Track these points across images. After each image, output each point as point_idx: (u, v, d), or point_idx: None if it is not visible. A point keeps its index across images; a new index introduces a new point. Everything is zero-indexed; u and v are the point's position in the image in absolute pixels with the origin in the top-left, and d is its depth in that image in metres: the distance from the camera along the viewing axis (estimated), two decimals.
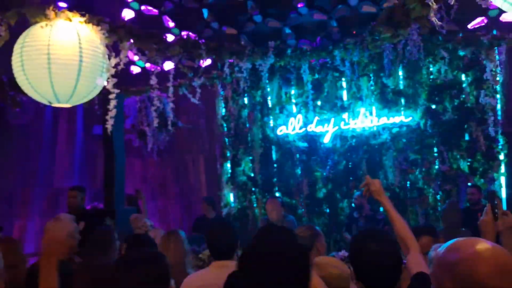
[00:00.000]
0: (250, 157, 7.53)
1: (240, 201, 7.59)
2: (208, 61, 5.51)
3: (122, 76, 3.91)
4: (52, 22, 2.95)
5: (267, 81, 6.95)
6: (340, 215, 6.98)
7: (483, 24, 5.94)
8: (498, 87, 6.19)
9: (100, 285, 2.27)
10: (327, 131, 6.97)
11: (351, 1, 6.43)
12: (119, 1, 6.62)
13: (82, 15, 3.15)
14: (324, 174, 7.07)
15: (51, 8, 2.95)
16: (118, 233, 4.53)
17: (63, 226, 3.11)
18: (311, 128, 7.03)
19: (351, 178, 6.97)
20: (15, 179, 7.33)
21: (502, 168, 6.33)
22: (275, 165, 7.44)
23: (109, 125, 3.46)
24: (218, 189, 7.76)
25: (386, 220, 6.12)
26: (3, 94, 4.94)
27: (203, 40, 4.86)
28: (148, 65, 5.56)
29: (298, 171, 7.25)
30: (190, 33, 6.33)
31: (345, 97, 7.04)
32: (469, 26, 6.13)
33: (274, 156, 7.48)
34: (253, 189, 7.52)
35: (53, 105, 3.12)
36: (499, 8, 2.24)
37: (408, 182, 6.68)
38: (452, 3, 1.89)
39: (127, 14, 6.81)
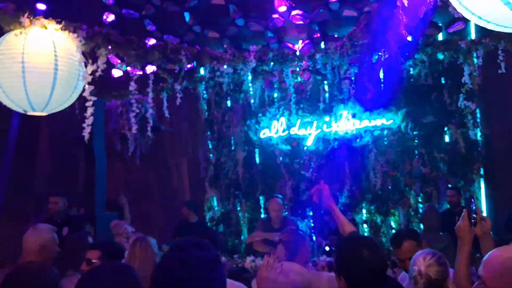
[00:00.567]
0: (234, 161, 7.53)
1: (224, 205, 7.59)
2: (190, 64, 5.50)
3: (102, 80, 3.88)
4: (26, 30, 2.91)
5: (250, 84, 6.97)
6: (323, 217, 7.00)
7: (461, 28, 6.02)
8: (476, 90, 6.28)
9: None
10: (310, 134, 7.00)
11: (332, 5, 6.47)
12: (100, 5, 6.55)
13: (58, 22, 3.11)
14: (307, 176, 7.10)
15: (25, 15, 2.91)
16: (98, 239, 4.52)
17: (39, 236, 3.09)
18: (294, 131, 7.05)
19: (334, 181, 6.99)
20: None
21: (481, 170, 6.42)
22: (258, 168, 7.45)
23: (86, 132, 3.42)
24: (201, 193, 7.73)
25: (354, 220, 6.19)
26: None
27: (185, 44, 4.86)
28: (129, 68, 5.52)
29: (281, 174, 7.26)
30: (172, 37, 6.35)
31: (327, 100, 7.08)
32: (449, 31, 6.22)
33: (257, 159, 7.49)
34: (236, 192, 7.52)
35: (28, 113, 3.08)
36: None
37: (390, 184, 6.74)
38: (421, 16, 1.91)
39: (108, 17, 6.76)
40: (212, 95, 7.56)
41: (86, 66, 3.22)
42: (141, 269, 2.70)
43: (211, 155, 7.71)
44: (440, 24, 6.31)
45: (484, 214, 4.20)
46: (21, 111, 3.04)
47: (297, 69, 6.33)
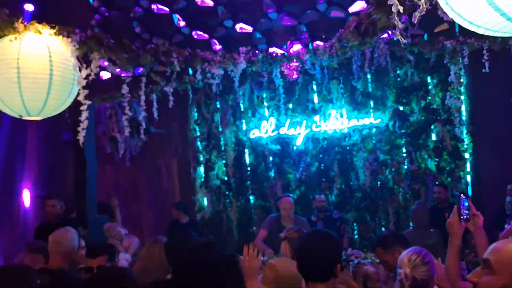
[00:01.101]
0: (224, 161, 7.57)
1: (214, 205, 7.62)
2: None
3: (92, 82, 3.88)
4: (21, 35, 2.91)
5: (238, 85, 6.99)
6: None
7: (446, 28, 6.12)
8: (462, 89, 6.41)
9: None
10: (299, 133, 7.07)
11: (320, 7, 6.54)
12: (88, 7, 6.53)
13: (52, 27, 3.11)
14: (297, 176, 7.17)
15: (19, 20, 2.91)
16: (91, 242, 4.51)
17: (70, 239, 3.16)
18: (284, 131, 7.12)
19: (323, 179, 7.08)
20: None
21: (468, 167, 6.55)
22: (248, 168, 7.49)
23: (81, 136, 3.43)
24: (191, 194, 7.75)
25: (342, 219, 6.27)
26: None
27: (174, 47, 4.87)
28: (118, 70, 5.51)
29: (272, 173, 7.32)
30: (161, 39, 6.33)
31: (316, 100, 7.16)
32: (435, 31, 6.31)
33: (247, 160, 7.53)
34: (227, 192, 7.56)
35: (23, 118, 3.08)
36: None
37: (378, 182, 6.84)
38: (416, 21, 1.98)
39: (96, 20, 6.74)
40: (201, 96, 7.58)
41: (80, 70, 3.22)
42: (154, 270, 2.73)
43: (201, 156, 7.74)
44: (425, 25, 6.42)
45: None
46: (17, 116, 3.04)
47: (286, 69, 6.38)
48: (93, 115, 6.22)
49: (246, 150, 7.52)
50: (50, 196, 5.50)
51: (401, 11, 1.82)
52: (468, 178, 6.59)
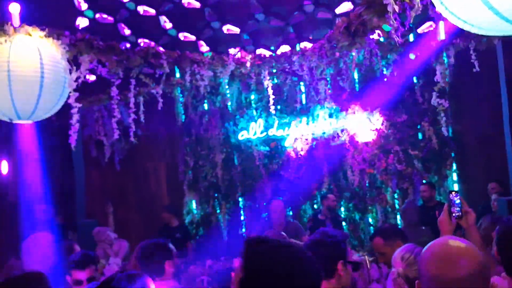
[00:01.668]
0: (212, 163, 7.53)
1: (203, 208, 7.58)
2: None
3: (79, 86, 3.84)
4: (11, 38, 2.87)
5: (227, 87, 6.98)
6: (303, 217, 7.11)
7: (432, 28, 6.20)
8: (448, 89, 6.50)
9: None
10: (288, 134, 7.08)
11: (307, 8, 6.57)
12: (73, 9, 6.45)
13: (42, 30, 3.07)
14: (286, 177, 7.17)
15: (9, 23, 2.87)
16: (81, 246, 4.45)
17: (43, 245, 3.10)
18: (272, 132, 7.12)
19: (313, 180, 7.10)
20: None
21: (454, 166, 6.65)
22: (237, 170, 7.47)
23: (73, 140, 3.39)
24: (180, 197, 7.70)
25: (346, 220, 6.30)
26: None
27: (163, 49, 4.85)
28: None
29: (261, 175, 7.31)
30: (147, 41, 6.30)
31: (304, 101, 7.19)
32: (418, 31, 6.39)
33: (236, 161, 7.51)
34: (216, 195, 7.53)
35: (14, 121, 3.03)
36: None
37: (367, 182, 6.89)
38: (411, 20, 2.00)
39: (81, 22, 6.66)
40: (189, 98, 7.54)
41: (70, 73, 3.19)
42: None
43: (189, 159, 7.70)
44: (411, 25, 6.49)
45: None
46: (7, 119, 2.99)
47: (274, 70, 6.40)
48: (79, 118, 6.18)
49: (235, 152, 7.49)
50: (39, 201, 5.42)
51: (397, 10, 1.83)
52: (455, 176, 6.69)
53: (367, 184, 6.87)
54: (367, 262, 3.73)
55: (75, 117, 3.39)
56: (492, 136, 6.35)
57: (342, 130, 6.93)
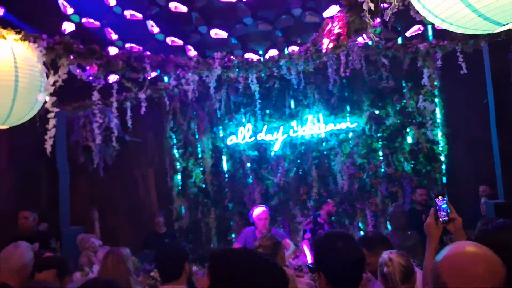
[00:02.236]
0: (201, 169, 7.47)
1: (192, 214, 7.51)
2: (154, 73, 5.42)
3: (64, 91, 3.76)
4: None
5: (215, 92, 6.91)
6: (292, 221, 7.05)
7: (420, 32, 6.20)
8: (436, 92, 6.48)
9: None
10: (276, 139, 7.04)
11: (295, 12, 6.54)
12: (60, 14, 6.38)
13: (18, 32, 3.00)
14: (276, 182, 7.12)
15: None
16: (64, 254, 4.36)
17: (21, 255, 3.00)
18: (261, 136, 7.08)
19: (302, 184, 7.06)
20: None
21: (444, 169, 6.62)
22: (226, 175, 7.41)
23: (49, 145, 3.31)
24: (169, 203, 7.62)
25: (336, 224, 6.23)
26: None
27: (148, 53, 4.78)
28: (90, 78, 5.39)
29: (250, 180, 7.25)
30: (134, 45, 6.23)
31: (292, 105, 7.15)
32: (406, 34, 6.39)
33: (225, 167, 7.45)
34: (205, 200, 7.46)
35: None
36: None
37: (356, 186, 6.85)
38: (387, 18, 1.95)
39: (68, 27, 6.60)
40: (177, 103, 7.48)
41: (47, 76, 3.11)
42: None
43: (177, 164, 7.63)
44: (399, 28, 6.49)
45: None
46: None
47: (262, 75, 6.35)
48: (64, 125, 6.09)
49: (224, 157, 7.44)
50: (23, 208, 5.31)
51: (372, 8, 1.79)
52: (444, 179, 6.66)
53: (356, 188, 6.83)
54: None
55: (52, 122, 3.31)
56: (480, 138, 6.33)
57: (331, 135, 6.89)
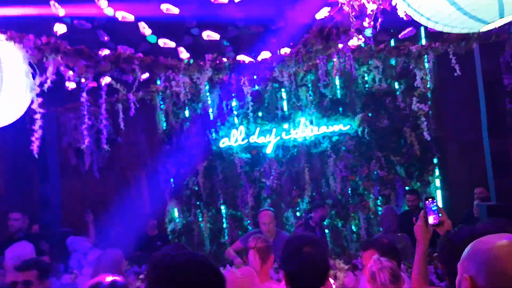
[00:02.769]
0: (194, 171, 7.43)
1: (185, 216, 7.46)
2: (146, 75, 5.38)
3: (55, 93, 3.73)
4: None
5: (207, 94, 6.90)
6: (285, 224, 7.02)
7: (412, 34, 6.18)
8: (429, 94, 6.48)
9: None
10: (269, 141, 7.01)
11: (288, 13, 6.52)
12: (51, 16, 6.33)
13: (3, 33, 2.97)
14: (268, 184, 7.09)
15: None
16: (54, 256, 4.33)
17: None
18: (254, 139, 7.05)
19: (294, 187, 7.03)
20: None
21: (437, 172, 6.61)
22: (219, 178, 7.38)
23: (35, 146, 3.28)
24: (162, 205, 7.58)
25: (329, 227, 6.21)
26: None
27: (139, 54, 4.75)
28: (83, 80, 5.35)
29: (242, 182, 7.22)
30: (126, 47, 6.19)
31: (285, 108, 7.13)
32: (399, 36, 6.37)
33: (217, 169, 7.41)
34: (197, 203, 7.42)
35: None
36: None
37: (349, 189, 6.83)
38: (373, 20, 1.94)
39: (59, 28, 6.55)
40: (169, 105, 7.45)
41: (34, 77, 3.08)
42: None
43: (170, 166, 7.59)
44: (391, 31, 6.47)
45: None
46: None
47: (255, 77, 6.32)
48: (55, 126, 6.06)
49: (216, 160, 7.40)
50: (13, 210, 5.28)
51: (355, 7, 1.77)
52: (437, 182, 6.65)
53: (349, 191, 6.81)
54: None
55: (38, 123, 3.28)
56: (473, 141, 6.33)
57: (323, 137, 6.88)
